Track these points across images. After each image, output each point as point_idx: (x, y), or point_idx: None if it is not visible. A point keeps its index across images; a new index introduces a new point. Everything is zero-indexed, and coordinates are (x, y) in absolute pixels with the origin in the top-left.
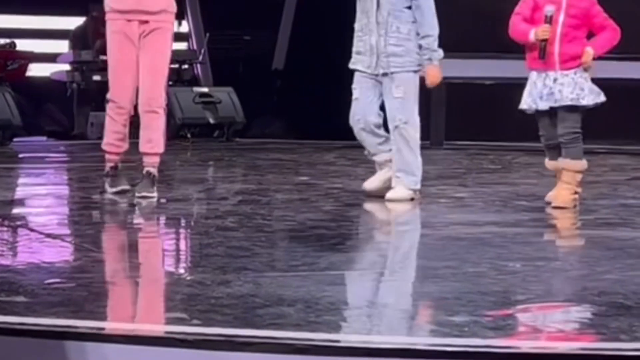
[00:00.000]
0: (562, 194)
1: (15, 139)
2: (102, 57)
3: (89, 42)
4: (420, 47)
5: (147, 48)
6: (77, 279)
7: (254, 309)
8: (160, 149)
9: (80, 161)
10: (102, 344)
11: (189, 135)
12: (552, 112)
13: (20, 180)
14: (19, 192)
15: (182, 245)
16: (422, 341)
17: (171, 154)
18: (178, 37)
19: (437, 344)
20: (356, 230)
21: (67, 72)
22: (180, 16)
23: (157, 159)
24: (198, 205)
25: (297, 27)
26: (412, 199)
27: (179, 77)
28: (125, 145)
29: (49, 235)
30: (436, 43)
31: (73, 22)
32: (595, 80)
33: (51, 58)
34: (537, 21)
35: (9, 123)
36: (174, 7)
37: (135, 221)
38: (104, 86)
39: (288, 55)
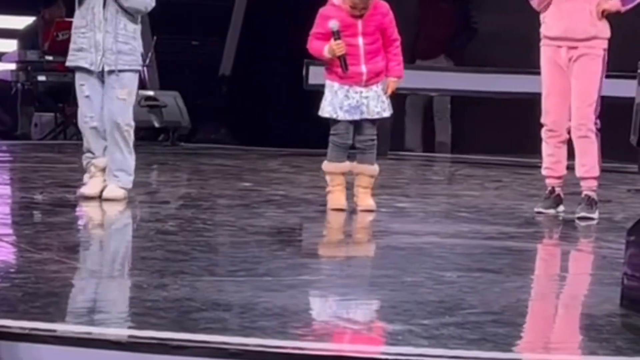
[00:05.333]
0: (365, 198)
1: None
2: (48, 58)
3: (38, 42)
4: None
5: (576, 73)
6: (12, 279)
7: (189, 312)
8: (596, 172)
9: (22, 161)
10: (34, 344)
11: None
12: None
13: None
14: None
15: (121, 247)
16: (356, 348)
17: None
18: None
19: (372, 351)
20: (297, 237)
21: (12, 71)
22: None
23: (593, 183)
24: (139, 208)
25: (245, 34)
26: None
27: None
28: (561, 169)
29: None
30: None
31: (19, 22)
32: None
33: None
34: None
35: None
36: (606, 33)
37: (74, 223)
38: (48, 86)
39: (235, 61)
